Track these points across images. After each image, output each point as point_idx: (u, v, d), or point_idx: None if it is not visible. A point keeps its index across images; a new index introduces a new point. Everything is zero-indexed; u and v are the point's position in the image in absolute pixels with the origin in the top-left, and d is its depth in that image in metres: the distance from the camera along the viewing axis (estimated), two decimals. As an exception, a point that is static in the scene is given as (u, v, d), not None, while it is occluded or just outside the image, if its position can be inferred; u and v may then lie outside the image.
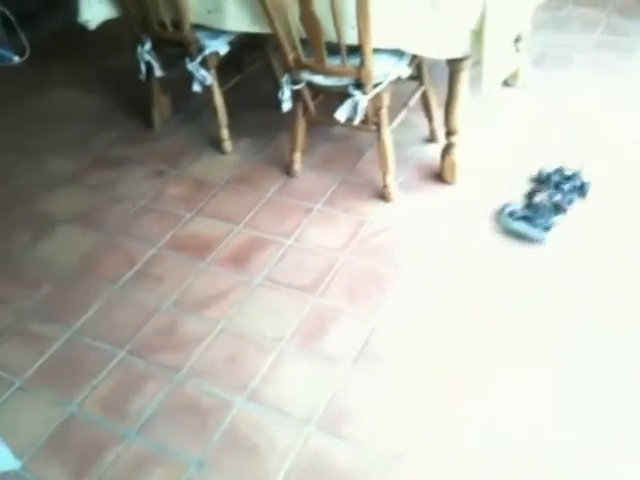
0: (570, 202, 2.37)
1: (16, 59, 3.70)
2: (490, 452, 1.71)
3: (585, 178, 2.43)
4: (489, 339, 1.98)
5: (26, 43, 3.69)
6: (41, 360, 2.05)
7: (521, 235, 2.29)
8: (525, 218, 2.30)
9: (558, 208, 2.34)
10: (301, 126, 2.57)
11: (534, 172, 2.51)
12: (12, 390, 1.97)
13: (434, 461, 1.70)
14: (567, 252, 2.23)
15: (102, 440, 1.81)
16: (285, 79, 2.42)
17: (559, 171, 2.47)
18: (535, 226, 2.28)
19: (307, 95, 2.45)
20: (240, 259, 2.34)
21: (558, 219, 2.31)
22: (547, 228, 2.27)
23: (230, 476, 1.71)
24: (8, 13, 3.69)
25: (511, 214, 2.33)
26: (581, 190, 2.41)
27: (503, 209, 2.36)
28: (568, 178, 2.44)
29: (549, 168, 2.49)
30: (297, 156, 2.65)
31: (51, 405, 1.91)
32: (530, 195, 2.43)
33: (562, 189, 2.39)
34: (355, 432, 1.78)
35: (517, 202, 2.39)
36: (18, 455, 1.74)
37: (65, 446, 1.81)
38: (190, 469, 1.73)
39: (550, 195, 2.38)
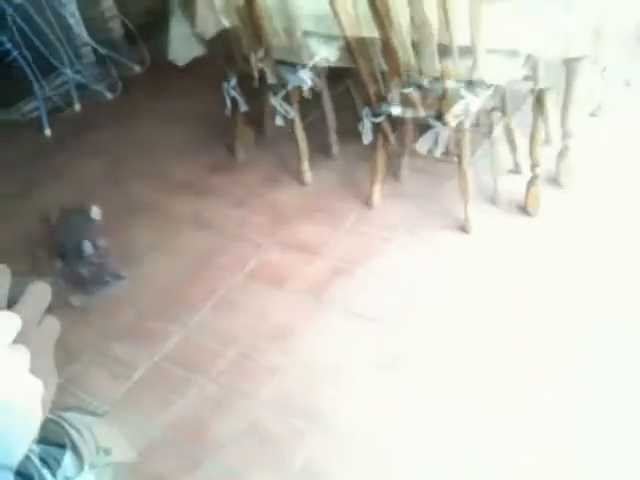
0: None
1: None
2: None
3: None
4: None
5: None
6: (126, 386, 2.11)
7: None
8: None
9: None
10: (381, 157, 2.58)
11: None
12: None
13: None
14: None
15: (178, 466, 1.84)
16: (365, 112, 2.44)
17: None
18: None
19: (387, 127, 2.46)
20: (318, 289, 2.35)
21: None
22: None
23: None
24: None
25: None
26: None
27: None
28: None
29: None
30: (377, 187, 2.66)
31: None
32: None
33: None
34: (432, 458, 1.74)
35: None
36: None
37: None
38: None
39: None
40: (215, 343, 2.21)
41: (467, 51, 2.09)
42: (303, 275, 2.42)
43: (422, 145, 2.33)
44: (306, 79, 2.67)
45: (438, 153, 2.33)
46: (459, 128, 2.28)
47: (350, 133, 2.81)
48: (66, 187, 3.13)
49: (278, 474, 1.78)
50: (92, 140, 3.48)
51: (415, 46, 2.10)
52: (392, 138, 2.51)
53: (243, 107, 2.89)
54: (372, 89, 2.34)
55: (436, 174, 2.78)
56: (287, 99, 2.72)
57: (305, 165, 2.88)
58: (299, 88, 2.70)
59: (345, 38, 2.21)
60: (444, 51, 2.08)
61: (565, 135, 2.39)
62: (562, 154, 2.45)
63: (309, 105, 2.91)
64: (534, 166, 2.40)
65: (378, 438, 1.83)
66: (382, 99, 2.35)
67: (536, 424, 1.77)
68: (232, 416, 1.96)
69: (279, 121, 2.79)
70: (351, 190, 2.80)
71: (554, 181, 2.52)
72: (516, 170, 2.69)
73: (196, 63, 2.88)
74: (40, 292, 0.60)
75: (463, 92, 2.19)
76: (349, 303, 2.27)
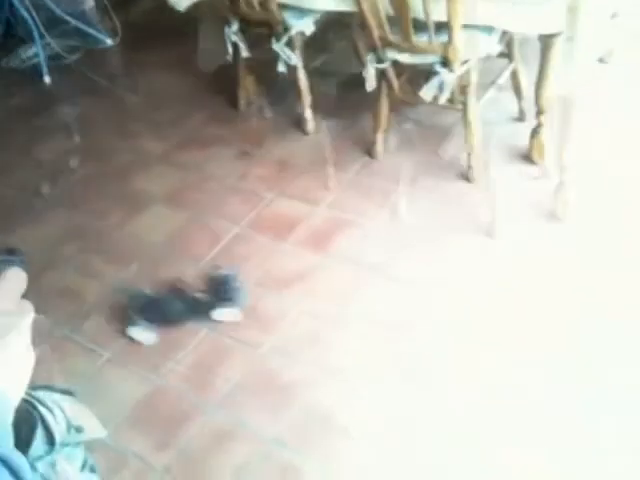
0: None
1: (109, 42, 3.82)
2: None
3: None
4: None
5: (118, 26, 3.80)
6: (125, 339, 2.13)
7: None
8: None
9: None
10: (385, 106, 2.53)
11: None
12: (102, 361, 2.06)
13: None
14: None
15: (185, 412, 1.88)
16: (370, 58, 2.39)
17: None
18: None
19: (392, 74, 2.41)
20: (322, 240, 2.35)
21: None
22: None
23: (309, 453, 1.74)
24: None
25: None
26: None
27: None
28: None
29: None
30: (380, 136, 2.62)
31: (137, 377, 2.00)
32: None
33: None
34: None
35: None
36: (105, 424, 1.82)
37: (149, 417, 1.89)
38: (270, 445, 1.77)
39: None
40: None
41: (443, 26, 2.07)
42: (307, 226, 2.42)
43: (427, 92, 2.28)
44: (310, 24, 2.62)
45: (443, 100, 2.28)
46: (465, 75, 2.23)
47: (353, 81, 2.77)
48: (73, 138, 3.10)
49: (285, 422, 1.81)
50: (95, 89, 3.44)
51: None
52: (396, 85, 2.46)
53: (244, 52, 2.83)
54: (376, 33, 2.28)
55: (441, 123, 2.74)
56: (290, 45, 2.66)
57: (308, 113, 2.83)
58: (302, 33, 2.64)
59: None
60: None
61: (539, 112, 2.35)
62: (535, 131, 2.41)
63: (314, 50, 2.87)
64: (540, 113, 2.36)
65: (383, 372, 1.86)
66: (387, 44, 2.30)
67: (535, 423, 1.74)
68: (238, 364, 1.98)
69: (281, 67, 2.74)
70: (355, 140, 2.77)
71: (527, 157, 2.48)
72: (521, 118, 2.65)
73: (199, 7, 2.81)
74: (16, 277, 0.60)
75: (438, 68, 2.19)
76: (354, 253, 2.27)
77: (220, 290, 2.07)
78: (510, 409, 1.76)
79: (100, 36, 3.81)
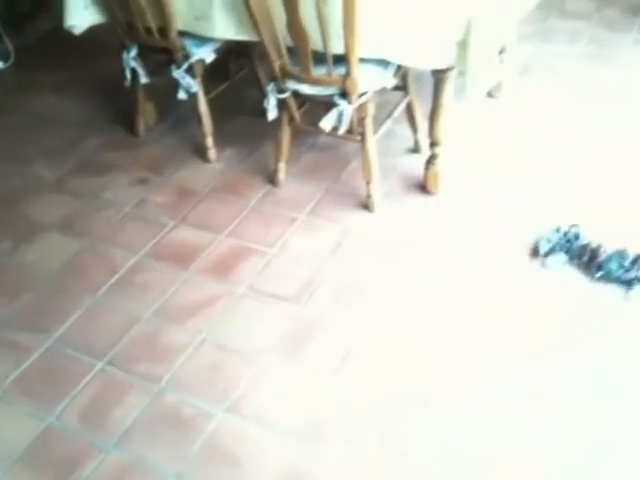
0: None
1: (0, 64, 3.66)
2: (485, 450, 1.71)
3: None
4: (471, 343, 1.99)
5: (10, 48, 3.66)
6: (19, 370, 2.02)
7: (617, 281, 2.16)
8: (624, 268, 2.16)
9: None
10: (286, 135, 2.56)
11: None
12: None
13: (417, 468, 1.70)
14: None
15: (81, 452, 1.79)
16: (271, 88, 2.41)
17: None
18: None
19: (292, 104, 2.45)
20: (223, 268, 2.33)
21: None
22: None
23: (210, 489, 1.70)
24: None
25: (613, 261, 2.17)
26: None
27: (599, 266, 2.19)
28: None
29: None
30: (282, 165, 2.64)
31: (29, 416, 1.89)
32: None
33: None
34: (338, 445, 1.77)
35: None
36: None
37: (43, 458, 1.79)
38: (169, 482, 1.72)
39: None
40: (118, 324, 2.14)
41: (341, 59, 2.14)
42: (209, 254, 2.39)
43: (326, 123, 2.33)
44: (210, 52, 2.62)
45: (342, 131, 2.34)
46: (363, 107, 2.29)
47: (256, 111, 2.79)
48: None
49: (185, 458, 1.76)
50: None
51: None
52: (297, 115, 2.50)
53: (144, 79, 2.79)
54: (277, 64, 2.31)
55: (341, 153, 2.81)
56: (190, 72, 2.65)
57: (209, 141, 2.82)
58: (202, 61, 2.63)
59: (249, 9, 2.17)
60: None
61: (433, 143, 2.46)
62: (430, 162, 2.51)
63: (215, 79, 2.87)
64: (433, 145, 2.46)
65: (289, 419, 1.84)
66: (287, 74, 2.33)
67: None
68: (136, 399, 1.91)
69: (182, 95, 2.72)
70: (257, 168, 2.78)
71: (422, 187, 2.58)
72: (416, 149, 2.76)
73: (95, 32, 2.75)
74: None
75: (337, 99, 2.25)
76: (256, 282, 2.26)
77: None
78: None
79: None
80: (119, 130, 3.07)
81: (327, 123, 2.33)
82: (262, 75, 2.95)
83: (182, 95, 2.72)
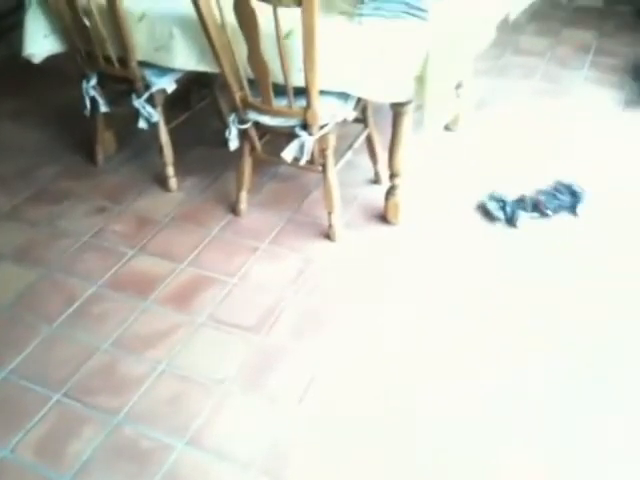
0: (556, 210, 2.59)
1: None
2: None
3: (583, 199, 2.61)
4: (436, 366, 2.00)
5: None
6: (-29, 404, 1.96)
7: (488, 213, 2.59)
8: (502, 201, 2.58)
9: (536, 207, 2.58)
10: (247, 165, 2.58)
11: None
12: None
13: (377, 504, 1.69)
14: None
15: (34, 488, 1.74)
16: (232, 118, 2.43)
17: (567, 184, 2.66)
18: (502, 210, 2.56)
19: (254, 134, 2.47)
20: (183, 298, 2.31)
21: (531, 216, 2.57)
22: (511, 217, 2.54)
23: (169, 523, 1.66)
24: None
25: (492, 195, 2.62)
26: (572, 207, 2.61)
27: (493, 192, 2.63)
28: (571, 192, 2.64)
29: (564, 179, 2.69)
30: (243, 195, 2.65)
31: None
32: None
33: (557, 197, 2.61)
34: (298, 475, 1.76)
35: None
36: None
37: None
38: (127, 517, 1.68)
39: (540, 194, 2.62)
40: (74, 356, 2.10)
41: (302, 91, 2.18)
42: (168, 284, 2.37)
43: (288, 153, 2.35)
44: (171, 82, 2.63)
45: (303, 162, 2.37)
46: (323, 138, 2.33)
47: (217, 141, 2.80)
48: None
49: (141, 490, 1.73)
50: None
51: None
52: (258, 145, 2.52)
53: (103, 108, 2.78)
54: (238, 95, 2.34)
55: (303, 183, 2.83)
56: (151, 102, 2.65)
57: (170, 171, 2.81)
58: (163, 91, 2.64)
59: (210, 41, 2.19)
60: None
61: (393, 175, 2.51)
62: (390, 192, 2.56)
63: (177, 109, 2.87)
64: (393, 176, 2.50)
65: (250, 450, 1.82)
66: (248, 105, 2.35)
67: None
68: (93, 432, 1.87)
69: (142, 124, 2.71)
70: (218, 198, 2.78)
71: (383, 217, 2.63)
72: (376, 180, 2.81)
73: (54, 60, 2.73)
74: None
75: (298, 131, 2.30)
76: (216, 312, 2.25)
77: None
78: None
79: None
80: (77, 159, 3.04)
81: (288, 154, 2.35)
82: (223, 105, 2.97)
83: (142, 124, 2.71)
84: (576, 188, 2.64)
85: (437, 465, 1.77)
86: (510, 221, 2.54)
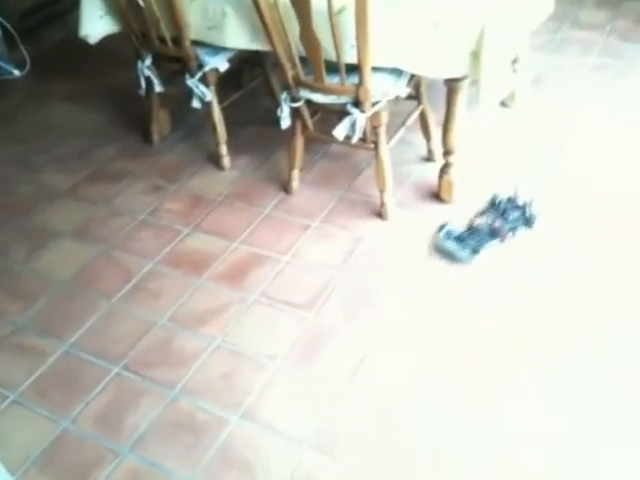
0: (513, 230, 2.36)
1: (16, 73, 3.72)
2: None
3: (533, 210, 2.40)
4: (473, 348, 1.99)
5: (27, 57, 3.72)
6: (36, 374, 2.04)
7: (449, 254, 2.31)
8: (459, 238, 2.32)
9: (495, 233, 2.33)
10: (299, 143, 2.58)
11: (488, 197, 2.50)
12: (6, 404, 1.96)
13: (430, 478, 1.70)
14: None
15: (96, 456, 1.80)
16: (284, 96, 2.43)
17: (510, 200, 2.45)
18: (464, 247, 2.29)
19: (305, 112, 2.46)
20: (236, 275, 2.34)
21: (492, 244, 2.31)
22: (475, 251, 2.28)
23: (224, 494, 1.71)
24: (9, 27, 3.72)
25: (447, 233, 2.35)
26: (527, 221, 2.39)
27: (442, 228, 2.38)
28: (517, 207, 2.42)
29: (502, 195, 2.47)
30: (295, 173, 2.66)
31: (45, 420, 1.91)
32: (474, 218, 2.43)
33: (507, 217, 2.38)
34: (349, 452, 1.77)
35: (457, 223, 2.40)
36: (10, 470, 1.73)
37: (59, 462, 1.80)
38: (183, 487, 1.73)
39: (492, 220, 2.37)
40: (132, 330, 2.16)
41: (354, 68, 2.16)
42: (222, 261, 2.40)
43: (339, 131, 2.34)
44: (224, 61, 2.64)
45: (355, 140, 2.35)
46: (376, 115, 2.31)
47: (269, 119, 2.81)
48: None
49: (198, 464, 1.77)
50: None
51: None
52: (310, 123, 2.52)
53: (158, 88, 2.82)
54: (290, 73, 2.33)
55: (355, 161, 2.82)
56: (204, 81, 2.68)
57: (223, 149, 2.84)
58: (216, 70, 2.66)
59: (262, 19, 2.19)
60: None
61: (446, 152, 2.46)
62: (444, 170, 2.52)
63: (229, 88, 2.89)
64: (447, 154, 2.47)
65: (301, 426, 1.85)
66: (300, 83, 2.35)
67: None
68: (150, 405, 1.92)
69: (196, 103, 2.75)
70: (270, 176, 2.80)
71: (436, 196, 2.59)
72: (430, 158, 2.77)
73: (108, 42, 2.78)
74: None
75: (350, 108, 2.27)
76: (269, 289, 2.27)
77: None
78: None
79: (6, 67, 3.70)
80: (134, 138, 3.10)
81: (340, 132, 2.34)
82: (275, 84, 2.97)
83: (196, 104, 2.74)
84: (520, 202, 2.42)
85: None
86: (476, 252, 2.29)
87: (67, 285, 2.37)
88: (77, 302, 2.29)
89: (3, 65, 3.69)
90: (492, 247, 2.31)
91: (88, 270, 2.42)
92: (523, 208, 2.41)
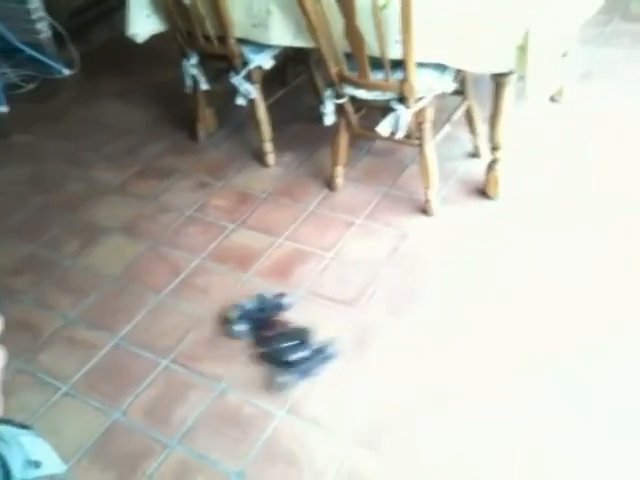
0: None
1: (66, 72, 3.81)
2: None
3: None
4: (518, 349, 1.96)
5: (76, 56, 3.81)
6: (87, 366, 2.09)
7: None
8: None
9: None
10: (343, 140, 2.58)
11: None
12: (58, 395, 2.01)
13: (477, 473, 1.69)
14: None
15: (145, 447, 1.84)
16: (328, 93, 2.44)
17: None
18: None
19: (349, 109, 2.47)
20: (282, 271, 2.36)
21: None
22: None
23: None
24: (59, 27, 3.81)
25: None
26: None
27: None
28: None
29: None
30: (339, 170, 2.67)
31: (96, 411, 1.95)
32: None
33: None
34: (394, 449, 1.77)
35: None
36: (63, 459, 1.78)
37: (108, 452, 1.85)
38: (231, 479, 1.75)
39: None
40: (180, 324, 2.20)
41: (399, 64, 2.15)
42: (267, 257, 2.43)
43: (384, 128, 2.34)
44: (268, 58, 2.66)
45: (400, 136, 2.34)
46: (421, 111, 2.30)
47: (313, 116, 2.82)
48: (28, 170, 3.06)
49: (245, 457, 1.79)
50: (50, 119, 3.41)
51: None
52: (354, 120, 2.52)
53: (204, 86, 2.86)
54: (334, 70, 2.34)
55: (399, 157, 2.81)
56: (249, 79, 2.70)
57: (268, 146, 2.86)
58: (260, 68, 2.68)
59: (306, 16, 2.20)
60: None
61: (493, 148, 2.43)
62: (490, 167, 2.49)
63: (273, 85, 2.91)
64: (494, 149, 2.44)
65: (347, 422, 1.85)
66: (344, 80, 2.35)
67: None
68: (198, 398, 1.96)
69: (240, 101, 2.77)
70: (314, 173, 2.81)
71: (482, 192, 2.56)
72: (476, 154, 2.74)
73: (155, 40, 2.83)
74: None
75: (395, 104, 2.25)
76: (314, 286, 2.29)
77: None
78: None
79: (57, 66, 3.80)
80: (180, 136, 3.15)
81: (385, 128, 2.34)
82: (319, 81, 2.98)
83: (241, 101, 2.77)
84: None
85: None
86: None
87: (116, 280, 2.42)
88: (126, 296, 2.34)
89: (53, 64, 3.79)
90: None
91: (137, 265, 2.47)
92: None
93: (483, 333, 2.06)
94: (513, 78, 2.23)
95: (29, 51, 3.73)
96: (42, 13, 3.80)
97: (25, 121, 3.44)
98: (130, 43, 2.82)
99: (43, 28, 3.84)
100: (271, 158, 2.89)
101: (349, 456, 1.77)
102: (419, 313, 2.14)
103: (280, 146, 2.90)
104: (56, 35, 3.87)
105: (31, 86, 3.69)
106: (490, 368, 1.95)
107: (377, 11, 2.05)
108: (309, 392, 1.94)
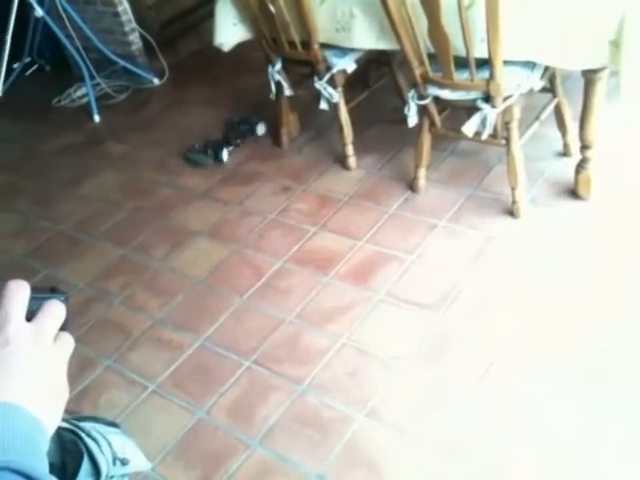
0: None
1: (156, 81, 3.95)
2: None
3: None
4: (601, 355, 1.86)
5: (165, 66, 3.94)
6: (173, 366, 2.15)
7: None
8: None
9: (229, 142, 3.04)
10: (426, 141, 2.54)
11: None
12: (146, 394, 2.08)
13: None
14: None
15: (227, 447, 1.87)
16: (411, 94, 2.41)
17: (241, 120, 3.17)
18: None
19: (433, 109, 2.43)
20: (362, 274, 2.35)
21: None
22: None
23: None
24: (150, 38, 3.96)
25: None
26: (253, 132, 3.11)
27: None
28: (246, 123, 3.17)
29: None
30: (421, 171, 2.63)
31: (181, 410, 2.01)
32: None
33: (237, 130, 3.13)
34: (474, 456, 1.72)
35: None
36: (149, 456, 1.83)
37: (194, 450, 1.89)
38: (311, 482, 1.75)
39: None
40: (262, 326, 2.23)
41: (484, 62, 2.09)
42: (348, 260, 2.42)
43: (469, 128, 2.29)
44: (351, 62, 2.66)
45: (485, 136, 2.29)
46: (508, 110, 2.23)
47: (394, 118, 2.80)
48: (121, 176, 3.20)
49: (325, 460, 1.79)
50: (141, 127, 3.55)
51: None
52: (438, 120, 2.47)
53: (288, 91, 2.89)
54: (418, 71, 2.31)
55: (484, 158, 2.74)
56: (332, 83, 2.71)
57: (349, 150, 2.86)
58: (344, 72, 2.68)
59: (390, 17, 2.18)
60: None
61: (584, 147, 2.33)
62: (581, 166, 2.38)
63: (355, 88, 2.91)
64: (584, 148, 2.34)
65: (426, 427, 1.82)
66: (428, 80, 2.32)
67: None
68: (279, 399, 1.97)
69: (324, 105, 2.79)
70: (396, 175, 2.78)
71: (573, 193, 2.46)
72: (566, 153, 2.64)
73: (239, 49, 2.89)
74: (56, 309, 0.62)
75: (480, 104, 2.20)
76: (395, 289, 2.26)
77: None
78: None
79: (147, 76, 3.95)
80: (264, 141, 3.20)
81: (470, 128, 2.29)
82: (402, 82, 2.96)
83: (324, 105, 2.78)
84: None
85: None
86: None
87: (202, 282, 2.48)
88: (211, 298, 2.40)
89: (145, 75, 3.94)
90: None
91: (222, 268, 2.53)
92: (251, 124, 3.10)
93: (569, 343, 1.96)
94: (605, 74, 2.13)
95: (122, 62, 3.90)
96: (134, 25, 3.97)
97: (118, 130, 3.60)
98: (216, 52, 2.90)
99: (135, 40, 4.01)
100: (353, 161, 2.88)
101: (429, 463, 1.73)
102: (504, 319, 2.07)
103: (362, 149, 2.89)
104: (146, 46, 4.02)
105: (123, 96, 3.86)
106: (575, 379, 1.86)
107: (463, 10, 2.01)
108: (388, 397, 1.91)
